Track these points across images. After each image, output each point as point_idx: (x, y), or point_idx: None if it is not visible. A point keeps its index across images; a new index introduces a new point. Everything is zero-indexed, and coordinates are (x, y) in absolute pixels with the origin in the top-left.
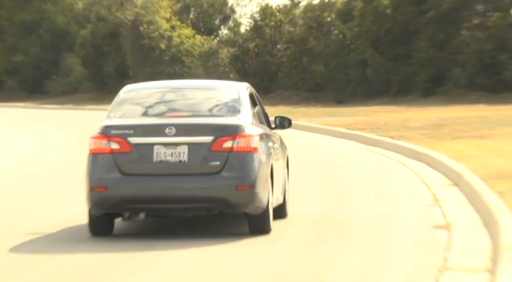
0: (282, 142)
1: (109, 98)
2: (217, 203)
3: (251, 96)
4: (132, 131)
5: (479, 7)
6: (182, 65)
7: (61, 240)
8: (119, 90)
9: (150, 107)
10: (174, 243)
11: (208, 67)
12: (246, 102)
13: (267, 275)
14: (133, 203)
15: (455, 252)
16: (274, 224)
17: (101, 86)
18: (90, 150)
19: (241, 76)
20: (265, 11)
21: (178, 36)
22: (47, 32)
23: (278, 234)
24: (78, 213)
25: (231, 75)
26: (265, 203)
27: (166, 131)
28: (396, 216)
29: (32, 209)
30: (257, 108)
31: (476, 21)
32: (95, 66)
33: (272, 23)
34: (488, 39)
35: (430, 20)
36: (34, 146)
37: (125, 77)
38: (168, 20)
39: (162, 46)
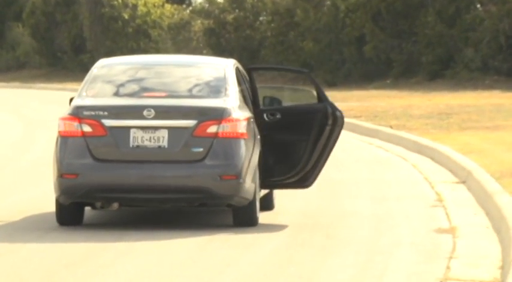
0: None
1: (62, 75)
2: (199, 193)
3: (238, 74)
4: (106, 113)
5: None
6: (148, 38)
7: (25, 230)
8: (74, 67)
9: (127, 85)
10: (148, 235)
11: (179, 41)
12: (232, 82)
13: None
14: (106, 192)
15: (459, 260)
16: (259, 218)
17: (53, 61)
18: (60, 132)
19: (217, 52)
20: None
21: (145, 5)
22: None
23: (261, 232)
24: (38, 202)
25: (204, 51)
26: (252, 194)
27: (145, 113)
28: (393, 217)
29: None
30: (243, 87)
31: None
32: (46, 38)
33: None
34: (505, 16)
35: None
36: None
37: (81, 51)
38: None
39: (125, 16)
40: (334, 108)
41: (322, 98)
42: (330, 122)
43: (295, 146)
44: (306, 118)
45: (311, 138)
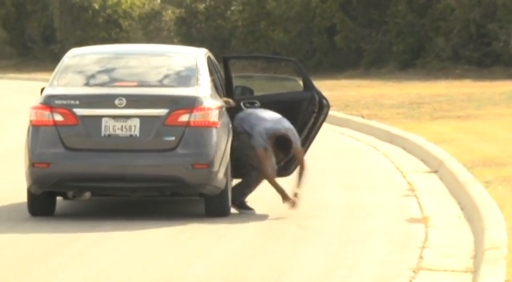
0: None
1: (33, 65)
2: (171, 182)
3: (209, 63)
4: (77, 102)
5: None
6: (119, 28)
7: None
8: (44, 57)
9: (99, 74)
10: (120, 225)
11: (150, 31)
12: (204, 71)
13: (214, 273)
14: (78, 181)
15: (432, 249)
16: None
17: (24, 52)
18: (31, 121)
19: (187, 42)
20: None
21: None
22: None
23: (233, 222)
24: (10, 192)
25: (176, 41)
26: (224, 183)
27: (116, 102)
28: (365, 207)
29: None
30: (215, 77)
31: None
32: (16, 28)
33: None
34: (476, 5)
35: None
36: None
37: (51, 41)
38: None
39: (96, 6)
40: (321, 97)
41: (309, 86)
42: (316, 109)
43: None
44: (292, 106)
45: (296, 126)
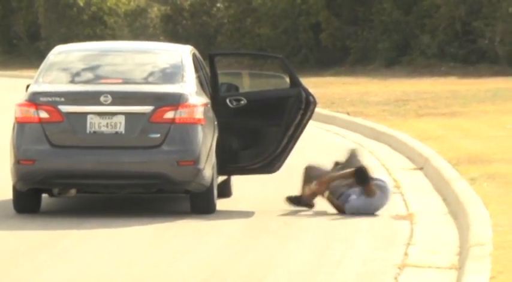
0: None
1: (19, 62)
2: (156, 179)
3: (195, 60)
4: (63, 99)
5: None
6: (104, 25)
7: None
8: (30, 54)
9: (84, 71)
10: (106, 222)
11: (135, 28)
12: (189, 68)
13: (199, 270)
14: (63, 178)
15: (417, 246)
16: (217, 205)
17: (9, 49)
18: (16, 118)
19: (173, 39)
20: None
21: None
22: None
23: (219, 218)
24: None
25: (161, 38)
26: (210, 180)
27: (101, 99)
28: None
29: None
30: (200, 74)
31: None
32: (2, 25)
33: None
34: (461, 3)
35: None
36: None
37: (37, 38)
38: None
39: (81, 3)
40: (308, 93)
41: (296, 83)
42: (303, 106)
43: (265, 132)
44: (279, 103)
45: (283, 123)
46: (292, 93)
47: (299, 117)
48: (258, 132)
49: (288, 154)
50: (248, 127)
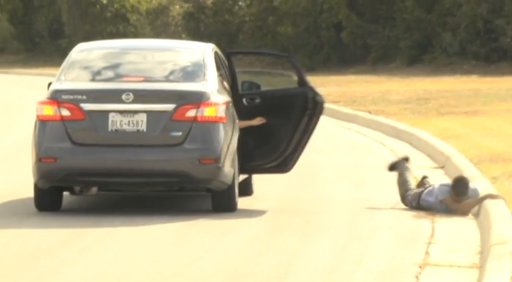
0: None
1: (40, 60)
2: (178, 177)
3: (216, 58)
4: (84, 97)
5: None
6: (127, 23)
7: (3, 215)
8: (52, 52)
9: (106, 69)
10: (127, 220)
11: (157, 26)
12: (211, 66)
13: (220, 268)
14: (85, 175)
15: (438, 245)
16: (238, 203)
17: (31, 47)
18: (38, 116)
19: (195, 37)
20: None
21: None
22: None
23: (240, 217)
24: (17, 187)
25: (183, 36)
26: (231, 178)
27: (123, 97)
28: (372, 203)
29: None
30: (222, 72)
31: None
32: (24, 23)
33: None
34: (483, 1)
35: None
36: None
37: (59, 36)
38: None
39: (103, 0)
40: (315, 93)
41: (303, 82)
42: (310, 106)
43: (276, 130)
44: (286, 102)
45: (291, 122)
46: (299, 93)
47: (307, 116)
48: (269, 131)
49: (300, 153)
50: (261, 126)
